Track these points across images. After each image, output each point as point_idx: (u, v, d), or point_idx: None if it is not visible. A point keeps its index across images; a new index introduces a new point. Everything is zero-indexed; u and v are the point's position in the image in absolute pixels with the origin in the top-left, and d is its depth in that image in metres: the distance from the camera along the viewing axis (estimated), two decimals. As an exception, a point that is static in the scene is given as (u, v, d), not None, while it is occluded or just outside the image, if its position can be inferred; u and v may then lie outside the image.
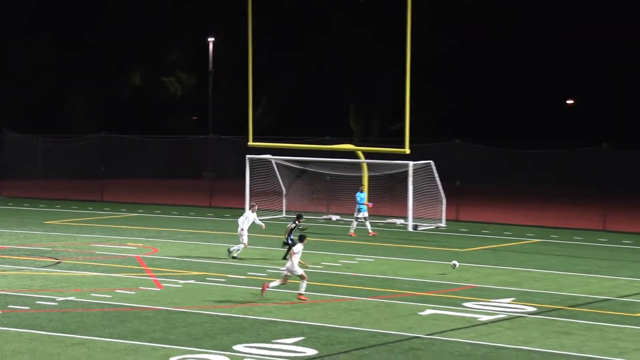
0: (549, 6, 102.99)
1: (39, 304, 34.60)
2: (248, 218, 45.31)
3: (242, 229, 44.82)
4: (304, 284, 35.53)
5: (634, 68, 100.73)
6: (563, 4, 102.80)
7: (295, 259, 35.46)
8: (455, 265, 41.89)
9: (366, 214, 54.41)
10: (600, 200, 61.36)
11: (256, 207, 47.26)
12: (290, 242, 42.42)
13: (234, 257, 44.34)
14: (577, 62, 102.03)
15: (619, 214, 60.03)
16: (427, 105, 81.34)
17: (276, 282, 35.78)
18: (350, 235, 53.79)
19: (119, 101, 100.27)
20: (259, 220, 45.79)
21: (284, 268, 36.00)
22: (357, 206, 54.62)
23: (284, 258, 42.08)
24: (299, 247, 35.89)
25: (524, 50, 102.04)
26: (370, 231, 54.15)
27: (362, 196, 54.70)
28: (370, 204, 55.02)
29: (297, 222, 43.38)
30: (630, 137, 77.95)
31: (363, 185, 56.61)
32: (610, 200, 61.22)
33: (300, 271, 35.54)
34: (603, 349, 29.52)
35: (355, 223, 54.62)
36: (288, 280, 35.62)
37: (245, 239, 44.88)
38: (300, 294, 35.56)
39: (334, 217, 60.53)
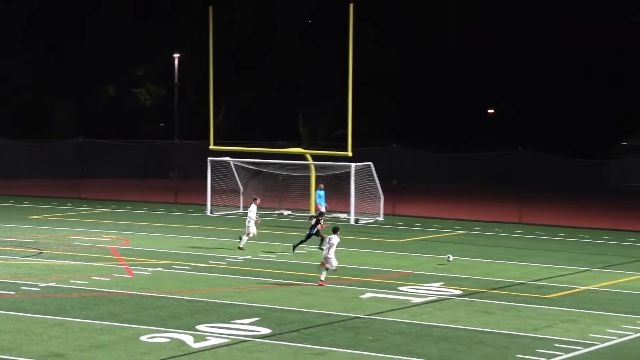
0: (476, 30, 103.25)
1: (23, 289, 34.55)
2: (252, 210, 45.15)
3: (249, 221, 44.67)
4: (326, 272, 36.18)
5: (544, 82, 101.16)
6: (484, 28, 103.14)
7: (332, 250, 35.87)
8: (449, 258, 41.97)
9: (323, 207, 54.64)
10: (516, 196, 61.65)
11: (258, 201, 47.26)
12: (312, 232, 43.11)
13: (240, 248, 44.31)
14: (496, 76, 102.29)
15: (532, 208, 60.33)
16: (367, 114, 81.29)
17: (323, 274, 36.27)
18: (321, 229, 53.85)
19: (95, 110, 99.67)
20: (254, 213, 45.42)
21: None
22: (319, 201, 54.89)
23: (320, 248, 42.86)
24: (335, 239, 36.27)
25: (454, 66, 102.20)
26: (321, 225, 54.29)
27: (321, 194, 54.91)
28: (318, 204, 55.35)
29: (319, 217, 43.32)
30: (542, 142, 78.33)
31: (321, 184, 56.77)
32: (524, 196, 61.57)
33: (335, 263, 36.12)
34: (519, 326, 29.91)
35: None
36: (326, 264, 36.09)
37: (252, 230, 44.68)
38: (321, 281, 36.14)
39: (285, 212, 60.53)
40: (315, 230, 43.04)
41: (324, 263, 36.19)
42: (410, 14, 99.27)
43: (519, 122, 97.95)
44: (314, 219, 43.54)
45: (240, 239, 44.44)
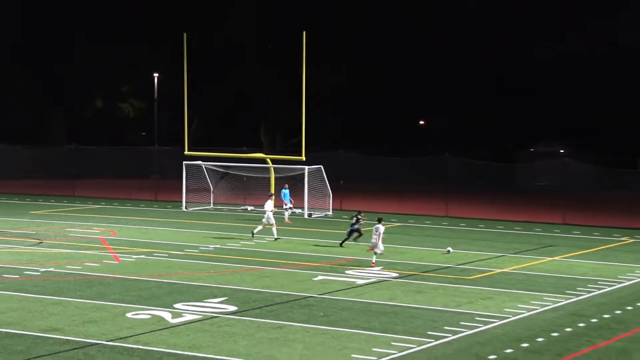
0: (409, 53, 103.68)
1: (26, 273, 34.37)
2: (268, 204, 45.58)
3: (268, 212, 44.89)
4: (375, 256, 36.92)
5: (467, 98, 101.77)
6: (417, 50, 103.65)
7: (380, 237, 36.67)
8: (449, 251, 41.83)
9: (290, 205, 54.77)
10: (443, 194, 61.99)
11: (273, 197, 48.37)
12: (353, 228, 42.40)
13: (253, 234, 44.88)
14: (426, 92, 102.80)
15: (456, 204, 60.71)
16: (318, 124, 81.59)
17: (374, 258, 37.09)
18: (287, 222, 53.82)
19: (85, 120, 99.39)
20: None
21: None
22: (284, 199, 54.98)
23: (341, 244, 43.00)
24: (381, 228, 37.01)
25: (390, 84, 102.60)
26: (287, 219, 54.30)
27: (286, 192, 54.94)
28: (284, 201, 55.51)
29: (359, 216, 43.06)
30: (464, 148, 78.85)
31: (286, 184, 56.83)
32: (450, 194, 61.89)
33: (382, 248, 36.87)
34: (445, 302, 30.09)
35: (287, 212, 54.83)
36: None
37: (271, 220, 44.95)
38: (373, 263, 37.03)
39: (249, 208, 60.43)
40: (356, 227, 42.59)
41: (372, 248, 36.83)
42: (355, 36, 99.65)
43: (445, 132, 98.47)
44: (355, 218, 43.13)
45: (260, 226, 45.23)
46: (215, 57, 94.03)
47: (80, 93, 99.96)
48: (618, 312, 29.30)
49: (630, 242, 47.07)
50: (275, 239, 44.51)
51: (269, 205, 45.55)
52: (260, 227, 45.05)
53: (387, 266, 37.33)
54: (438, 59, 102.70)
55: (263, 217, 45.45)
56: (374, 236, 37.01)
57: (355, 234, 42.34)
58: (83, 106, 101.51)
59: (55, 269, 35.56)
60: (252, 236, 44.81)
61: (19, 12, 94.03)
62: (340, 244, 43.01)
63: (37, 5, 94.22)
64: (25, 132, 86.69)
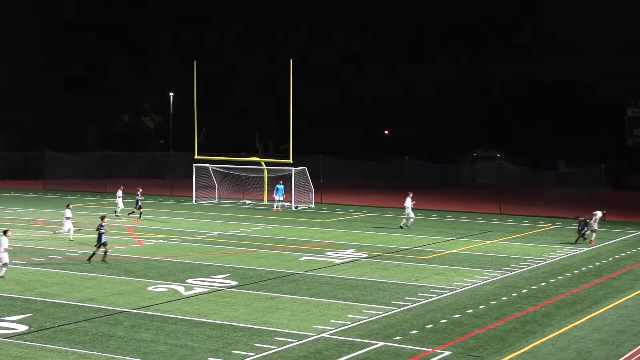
0: (371, 72, 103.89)
1: (67, 254, 34.38)
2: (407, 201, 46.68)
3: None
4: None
5: (420, 110, 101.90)
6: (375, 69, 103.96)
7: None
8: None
9: (281, 198, 54.80)
10: (404, 190, 61.91)
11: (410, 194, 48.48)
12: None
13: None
14: (390, 105, 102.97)
15: (415, 197, 60.73)
16: (302, 133, 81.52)
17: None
18: (279, 211, 54.07)
19: (115, 131, 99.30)
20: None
21: None
22: (277, 193, 55.12)
23: None
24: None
25: (359, 99, 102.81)
26: (278, 209, 54.45)
27: (280, 187, 55.08)
28: (284, 195, 55.70)
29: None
30: (421, 153, 78.93)
31: (281, 181, 56.96)
32: (409, 189, 61.81)
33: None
34: (406, 278, 30.19)
35: (277, 204, 54.97)
36: None
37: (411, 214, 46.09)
38: None
39: (247, 202, 60.35)
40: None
41: None
42: (333, 66, 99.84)
43: (405, 140, 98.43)
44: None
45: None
46: (219, 79, 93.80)
47: (112, 110, 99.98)
48: (543, 283, 29.49)
49: (552, 228, 47.30)
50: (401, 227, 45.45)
51: (408, 202, 46.21)
52: (404, 221, 45.92)
53: (359, 249, 37.41)
54: (396, 76, 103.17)
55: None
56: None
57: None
58: (113, 120, 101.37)
59: (91, 251, 35.48)
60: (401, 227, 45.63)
61: (70, 44, 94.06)
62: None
63: (81, 39, 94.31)
64: (68, 142, 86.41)
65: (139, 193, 49.49)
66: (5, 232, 29.14)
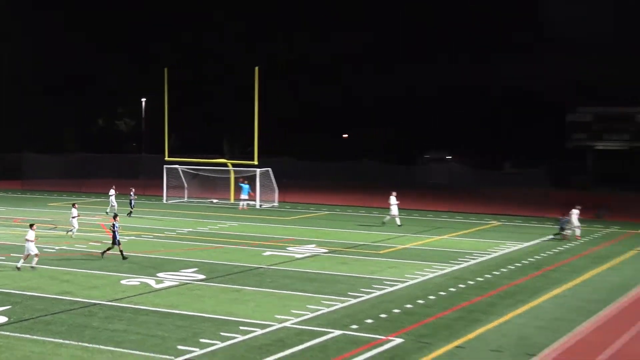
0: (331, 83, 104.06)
1: (45, 250, 33.97)
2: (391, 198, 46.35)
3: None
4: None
5: (373, 117, 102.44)
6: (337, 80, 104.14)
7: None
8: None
9: (246, 197, 54.75)
10: (362, 189, 62.44)
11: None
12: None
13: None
14: (349, 111, 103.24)
15: (372, 197, 61.14)
16: (267, 137, 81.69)
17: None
18: (244, 209, 53.98)
19: (92, 134, 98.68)
20: None
21: None
22: (242, 192, 55.06)
23: None
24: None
25: (320, 105, 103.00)
26: (244, 207, 54.46)
27: (245, 186, 55.07)
28: (252, 193, 55.77)
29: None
30: (377, 155, 79.30)
31: (244, 179, 57.00)
32: (368, 189, 62.31)
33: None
34: (362, 271, 30.35)
35: (242, 203, 54.91)
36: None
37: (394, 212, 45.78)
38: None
39: (215, 200, 60.29)
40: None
41: None
42: (299, 75, 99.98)
43: (363, 142, 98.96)
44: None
45: None
46: (189, 86, 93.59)
47: (87, 114, 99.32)
48: (488, 276, 29.86)
49: (497, 225, 47.84)
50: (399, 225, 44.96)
51: (392, 200, 45.82)
52: (388, 218, 45.73)
53: (319, 244, 37.54)
54: (356, 84, 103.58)
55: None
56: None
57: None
58: (89, 124, 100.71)
59: (67, 247, 35.33)
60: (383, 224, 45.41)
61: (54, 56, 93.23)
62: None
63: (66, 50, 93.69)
64: (46, 144, 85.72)
65: (132, 193, 49.59)
66: (31, 226, 29.82)
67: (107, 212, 49.37)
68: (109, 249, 32.35)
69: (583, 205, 43.69)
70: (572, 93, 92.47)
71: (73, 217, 38.59)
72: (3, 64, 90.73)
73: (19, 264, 29.36)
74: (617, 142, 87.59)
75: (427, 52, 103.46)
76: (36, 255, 29.37)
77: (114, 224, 32.43)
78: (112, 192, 51.11)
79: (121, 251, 32.20)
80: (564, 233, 40.81)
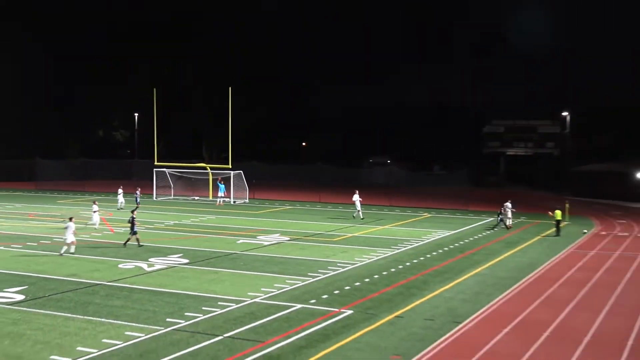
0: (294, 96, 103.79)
1: (55, 240, 33.54)
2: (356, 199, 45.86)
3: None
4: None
5: (331, 126, 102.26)
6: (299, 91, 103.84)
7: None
8: (585, 232, 39.69)
9: (222, 194, 54.35)
10: (318, 188, 62.46)
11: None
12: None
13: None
14: (306, 122, 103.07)
15: (326, 194, 61.25)
16: (241, 145, 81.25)
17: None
18: (220, 205, 53.53)
19: (92, 143, 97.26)
20: None
21: None
22: (219, 190, 54.73)
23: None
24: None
25: (284, 117, 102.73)
26: (220, 203, 54.13)
27: (221, 186, 54.75)
28: (226, 192, 55.48)
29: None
30: (334, 160, 79.30)
31: (221, 179, 56.65)
32: (323, 188, 62.35)
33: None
34: (319, 255, 30.31)
35: (219, 199, 54.56)
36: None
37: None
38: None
39: (196, 198, 59.80)
40: None
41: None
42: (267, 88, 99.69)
43: (321, 149, 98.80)
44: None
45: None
46: (175, 101, 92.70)
47: (88, 125, 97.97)
48: (422, 258, 30.07)
49: (428, 217, 48.15)
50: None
51: (356, 197, 45.57)
52: (356, 213, 45.33)
53: (282, 233, 37.46)
54: (317, 96, 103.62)
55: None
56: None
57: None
58: (90, 134, 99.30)
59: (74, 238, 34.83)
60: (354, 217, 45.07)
61: (52, 72, 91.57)
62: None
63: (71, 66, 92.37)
64: (55, 151, 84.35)
65: (137, 192, 49.18)
66: (70, 219, 30.41)
67: (118, 209, 48.61)
68: (129, 239, 32.01)
69: (495, 201, 44.20)
70: (488, 109, 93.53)
71: (94, 212, 38.14)
72: (17, 83, 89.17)
73: (62, 251, 29.41)
74: (523, 148, 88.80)
75: (376, 73, 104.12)
76: (72, 243, 29.55)
77: (132, 217, 32.05)
78: (120, 191, 50.48)
79: (137, 239, 31.86)
80: (507, 224, 41.15)
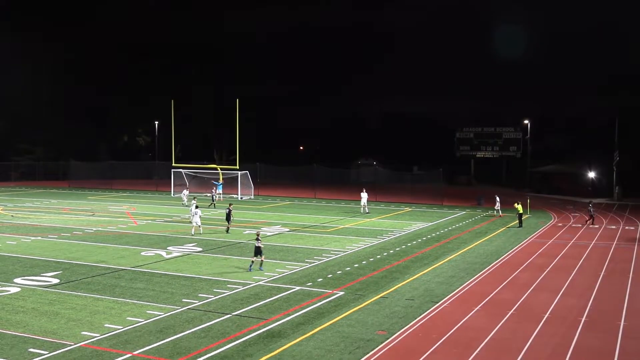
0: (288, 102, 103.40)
1: (86, 231, 33.31)
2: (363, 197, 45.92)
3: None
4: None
5: (326, 130, 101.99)
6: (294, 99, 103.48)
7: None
8: None
9: (220, 191, 54.08)
10: (313, 185, 62.28)
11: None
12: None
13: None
14: (303, 127, 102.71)
15: (321, 191, 61.11)
16: (246, 148, 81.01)
17: None
18: (219, 200, 53.27)
19: (118, 147, 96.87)
20: None
21: None
22: (218, 188, 54.38)
23: None
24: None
25: (283, 122, 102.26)
26: (220, 199, 53.80)
27: (217, 184, 54.43)
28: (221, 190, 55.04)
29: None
30: (325, 161, 79.22)
31: (221, 179, 56.36)
32: (317, 185, 62.18)
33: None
34: (314, 244, 30.11)
35: (219, 197, 54.25)
36: None
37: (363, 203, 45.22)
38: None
39: (209, 194, 59.45)
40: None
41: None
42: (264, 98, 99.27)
43: (314, 152, 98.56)
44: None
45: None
46: (189, 111, 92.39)
47: (115, 132, 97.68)
48: (403, 246, 29.98)
49: (409, 211, 48.07)
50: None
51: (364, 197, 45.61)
52: (362, 210, 45.04)
53: (284, 225, 37.33)
54: (311, 103, 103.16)
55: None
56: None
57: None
58: (117, 139, 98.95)
59: (102, 228, 34.58)
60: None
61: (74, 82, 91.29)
62: None
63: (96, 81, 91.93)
64: (86, 154, 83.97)
65: (213, 190, 49.73)
66: (196, 207, 32.79)
67: (183, 204, 48.68)
68: (228, 227, 33.44)
69: (466, 197, 44.15)
70: (460, 118, 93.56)
71: (194, 214, 34.06)
72: (59, 96, 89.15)
73: (192, 232, 31.90)
74: (490, 152, 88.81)
75: (369, 86, 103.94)
76: (199, 226, 32.05)
77: (229, 209, 33.82)
78: (185, 192, 50.45)
79: (228, 228, 33.30)
80: (499, 214, 43.50)
